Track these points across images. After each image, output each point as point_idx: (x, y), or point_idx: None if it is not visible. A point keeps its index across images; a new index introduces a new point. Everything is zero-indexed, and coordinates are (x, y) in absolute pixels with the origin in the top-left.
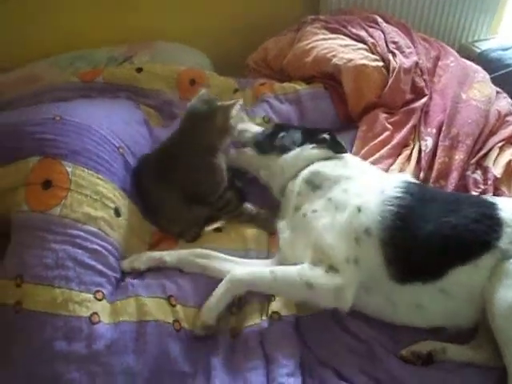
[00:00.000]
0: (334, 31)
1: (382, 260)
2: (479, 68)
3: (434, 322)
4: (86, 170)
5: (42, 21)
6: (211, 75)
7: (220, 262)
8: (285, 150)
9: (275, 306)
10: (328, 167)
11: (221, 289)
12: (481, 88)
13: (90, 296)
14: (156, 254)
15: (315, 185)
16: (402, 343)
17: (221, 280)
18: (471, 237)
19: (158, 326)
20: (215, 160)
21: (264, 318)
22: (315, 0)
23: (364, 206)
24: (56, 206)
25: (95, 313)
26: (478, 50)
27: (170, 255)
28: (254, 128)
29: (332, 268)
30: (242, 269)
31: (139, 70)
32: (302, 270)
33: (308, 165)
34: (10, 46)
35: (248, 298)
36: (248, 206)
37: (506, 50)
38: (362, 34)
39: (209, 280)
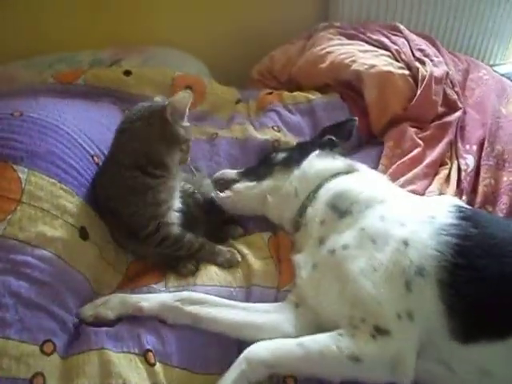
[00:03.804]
0: (350, 37)
1: (441, 308)
2: None
3: None
4: (46, 178)
5: (17, 21)
6: (210, 83)
7: (217, 309)
8: (290, 161)
9: None
10: (353, 186)
11: (233, 373)
12: None
13: (35, 348)
14: (130, 297)
15: (342, 211)
16: None
17: (217, 334)
18: None
19: None
20: (146, 179)
21: None
22: (324, 11)
23: (412, 237)
24: None
25: (39, 373)
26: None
27: (148, 300)
28: (231, 171)
29: (379, 330)
30: (260, 344)
31: (127, 72)
32: (340, 340)
33: (325, 180)
34: None
35: None
36: (191, 237)
37: None
38: (384, 40)
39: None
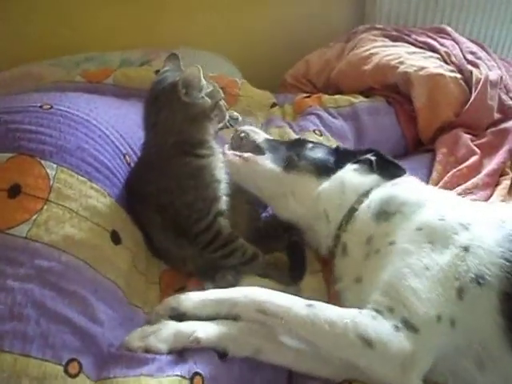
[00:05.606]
0: (395, 39)
1: (500, 321)
2: None
3: None
4: (76, 175)
5: (46, 19)
6: (244, 85)
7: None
8: (317, 166)
9: None
10: (402, 190)
11: (227, 294)
12: None
13: (59, 369)
14: (184, 327)
15: (390, 212)
16: None
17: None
18: None
19: None
20: (198, 161)
21: None
22: (359, 15)
23: (475, 243)
24: (23, 222)
25: None
26: None
27: (205, 330)
28: (262, 134)
29: (407, 324)
30: (267, 289)
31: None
32: (359, 316)
33: (363, 195)
34: (9, 44)
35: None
36: (244, 242)
37: None
38: (431, 42)
39: None
